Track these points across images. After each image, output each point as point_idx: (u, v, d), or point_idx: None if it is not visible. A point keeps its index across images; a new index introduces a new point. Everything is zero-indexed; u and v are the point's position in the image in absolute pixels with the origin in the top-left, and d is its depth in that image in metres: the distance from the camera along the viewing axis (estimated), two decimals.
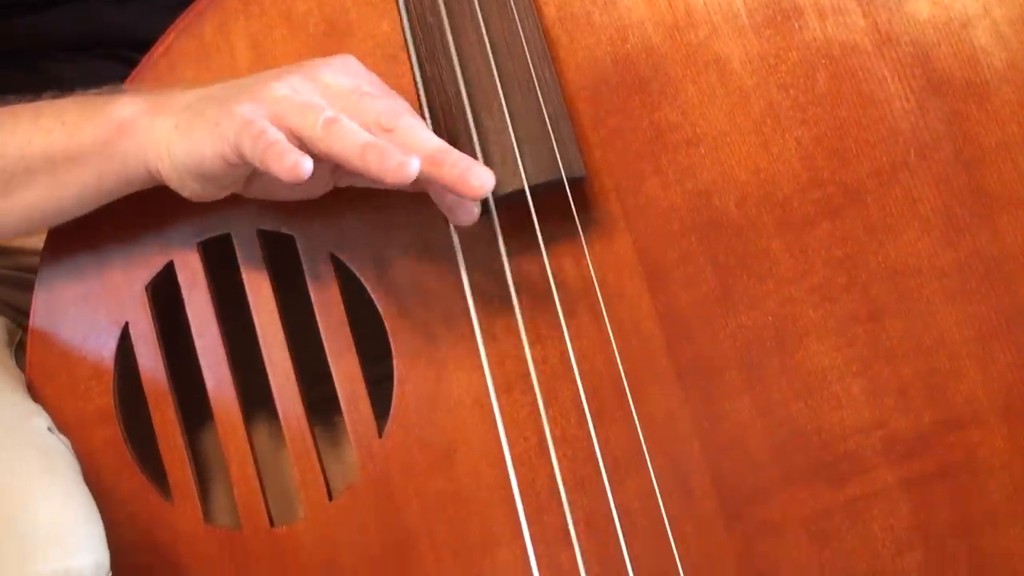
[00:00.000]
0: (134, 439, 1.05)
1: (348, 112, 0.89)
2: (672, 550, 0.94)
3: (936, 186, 0.94)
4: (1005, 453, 0.92)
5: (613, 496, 0.94)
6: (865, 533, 0.94)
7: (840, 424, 0.95)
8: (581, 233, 0.97)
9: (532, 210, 0.96)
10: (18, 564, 0.87)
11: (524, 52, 0.97)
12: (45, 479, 0.92)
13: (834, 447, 0.95)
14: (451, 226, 0.97)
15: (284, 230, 1.03)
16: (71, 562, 0.89)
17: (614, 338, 0.96)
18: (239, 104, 0.90)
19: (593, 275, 0.97)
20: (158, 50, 1.04)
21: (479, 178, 0.90)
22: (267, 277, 1.02)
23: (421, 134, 0.91)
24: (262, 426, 1.09)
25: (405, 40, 1.00)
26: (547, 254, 0.98)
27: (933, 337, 0.94)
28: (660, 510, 0.94)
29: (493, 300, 0.98)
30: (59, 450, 0.97)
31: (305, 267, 1.01)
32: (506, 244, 0.97)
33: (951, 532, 0.93)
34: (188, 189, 0.93)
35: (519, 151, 0.97)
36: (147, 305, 1.03)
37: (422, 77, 0.99)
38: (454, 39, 0.98)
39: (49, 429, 0.98)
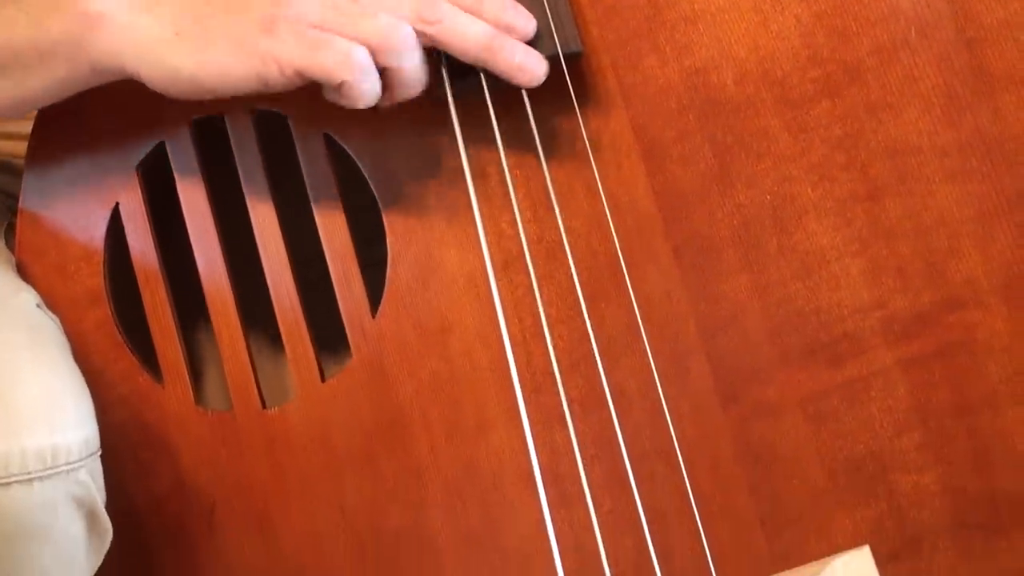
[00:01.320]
0: (126, 324, 0.99)
1: (385, 9, 0.85)
2: (668, 430, 0.91)
3: (937, 65, 0.91)
4: (1004, 334, 0.89)
5: (608, 376, 0.91)
6: (863, 414, 0.91)
7: (838, 304, 0.92)
8: (577, 110, 0.95)
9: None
10: (4, 438, 0.84)
11: None
12: (33, 354, 0.89)
13: (832, 328, 0.92)
14: (448, 105, 0.93)
15: (278, 110, 0.99)
16: (58, 437, 0.86)
17: (610, 216, 0.93)
18: (281, 21, 0.86)
19: (589, 153, 0.93)
20: None
21: (532, 68, 0.92)
22: (260, 158, 0.99)
23: (468, 23, 0.87)
24: (258, 331, 1.05)
25: None
26: (542, 132, 0.96)
27: (933, 217, 0.91)
28: (656, 390, 0.91)
29: (489, 179, 0.95)
30: (48, 326, 0.94)
31: (298, 147, 0.98)
32: (502, 122, 0.94)
33: (950, 413, 0.90)
34: (177, 93, 0.89)
35: None
36: (138, 185, 1.00)
37: None
38: None
39: (38, 306, 0.95)
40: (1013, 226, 0.90)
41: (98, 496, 0.90)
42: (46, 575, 0.85)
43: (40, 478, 0.84)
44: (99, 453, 0.91)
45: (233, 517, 0.98)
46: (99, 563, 0.91)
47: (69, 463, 0.87)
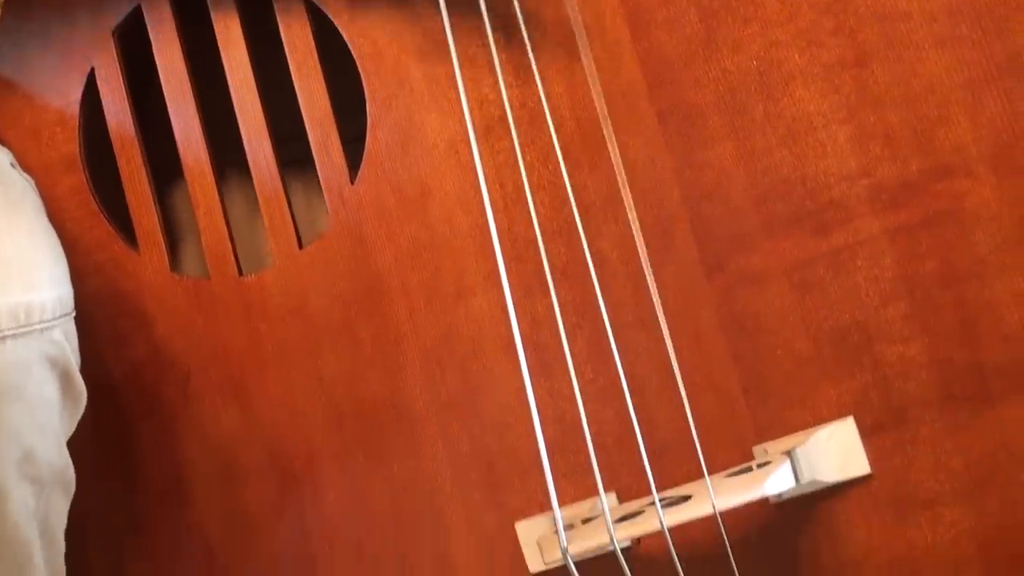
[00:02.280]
0: (101, 192, 0.96)
1: None
2: (651, 299, 0.89)
3: None
4: (993, 203, 0.86)
5: (591, 244, 0.89)
6: (849, 283, 0.88)
7: (825, 172, 0.89)
8: None
9: None
10: None
11: None
12: (7, 213, 0.86)
13: (818, 195, 0.89)
14: None
15: None
16: (32, 296, 0.82)
17: (594, 82, 0.90)
18: None
19: (573, 18, 0.90)
20: None
21: None
22: (239, 22, 0.95)
23: None
24: (236, 194, 1.01)
25: None
26: None
27: (921, 83, 0.88)
28: (639, 259, 0.89)
29: (471, 42, 0.92)
30: (21, 185, 0.91)
31: (277, 9, 0.93)
32: None
33: (937, 283, 0.88)
34: None
35: None
36: (114, 50, 0.96)
37: None
38: None
39: (12, 165, 0.91)
40: (1002, 93, 0.87)
41: (72, 358, 0.87)
42: (19, 435, 0.81)
43: (13, 336, 0.81)
44: (73, 314, 0.88)
45: (209, 385, 0.96)
46: (73, 427, 0.88)
47: (43, 321, 0.84)
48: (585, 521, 0.87)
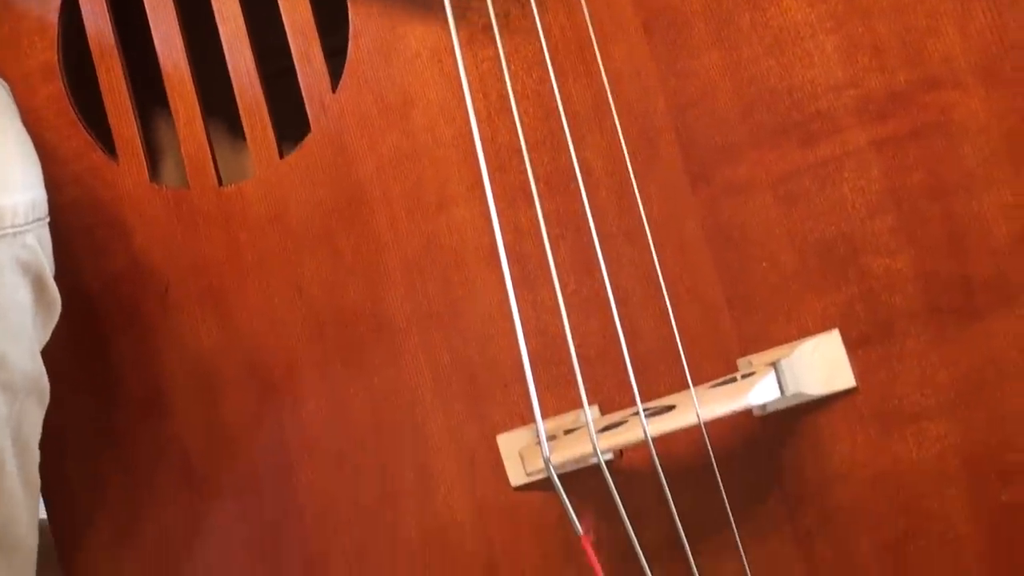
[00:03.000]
0: (81, 105, 0.94)
1: None
2: (635, 210, 0.87)
3: None
4: (982, 115, 0.84)
5: (576, 153, 0.86)
6: (835, 195, 0.86)
7: (812, 83, 0.87)
8: None
9: None
10: None
11: None
12: None
13: (805, 106, 0.87)
14: None
15: None
16: (4, 199, 0.81)
17: None
18: None
19: None
20: None
21: None
22: None
23: None
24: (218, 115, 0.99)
25: None
26: None
27: None
28: (624, 169, 0.87)
29: None
30: None
31: None
32: None
33: (924, 195, 0.85)
34: None
35: None
36: None
37: None
38: None
39: None
40: (991, 4, 0.86)
41: (46, 264, 0.84)
42: None
43: None
44: (47, 220, 0.86)
45: (188, 296, 0.94)
46: (47, 336, 0.86)
47: (15, 226, 0.81)
48: (567, 432, 0.85)
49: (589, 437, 0.80)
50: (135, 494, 0.96)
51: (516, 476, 0.90)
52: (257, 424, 0.94)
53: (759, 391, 0.82)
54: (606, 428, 0.84)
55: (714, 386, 0.85)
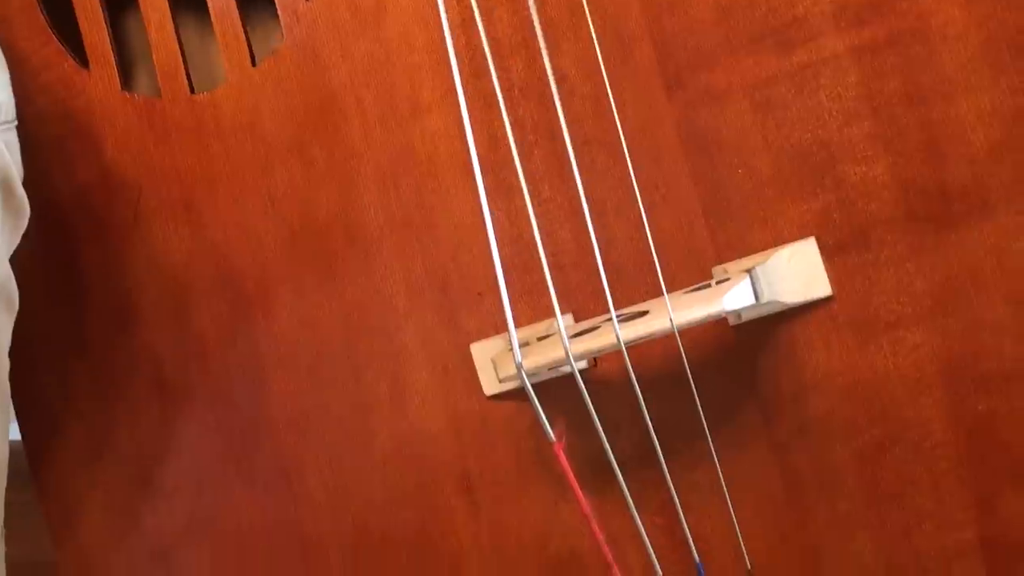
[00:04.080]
0: (54, 15, 0.92)
1: None
2: (610, 117, 0.86)
3: None
4: (960, 22, 0.83)
5: (550, 60, 0.84)
6: (812, 102, 0.84)
7: None
8: None
9: None
10: None
11: None
12: None
13: (782, 12, 0.86)
14: None
15: None
16: None
17: None
18: None
19: None
20: None
21: None
22: None
23: None
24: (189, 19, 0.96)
25: None
26: None
27: None
28: (599, 75, 0.86)
29: None
30: None
31: None
32: None
33: (901, 103, 0.84)
34: None
35: None
36: None
37: None
38: None
39: None
40: None
41: (14, 169, 0.82)
42: None
43: None
44: (15, 124, 0.83)
45: (159, 206, 0.92)
46: (15, 242, 0.84)
47: None
48: (540, 340, 0.83)
49: (562, 343, 0.78)
50: (107, 405, 0.94)
51: (489, 385, 0.88)
52: (230, 334, 0.92)
53: (733, 296, 0.80)
54: (579, 334, 0.81)
55: (688, 292, 0.82)
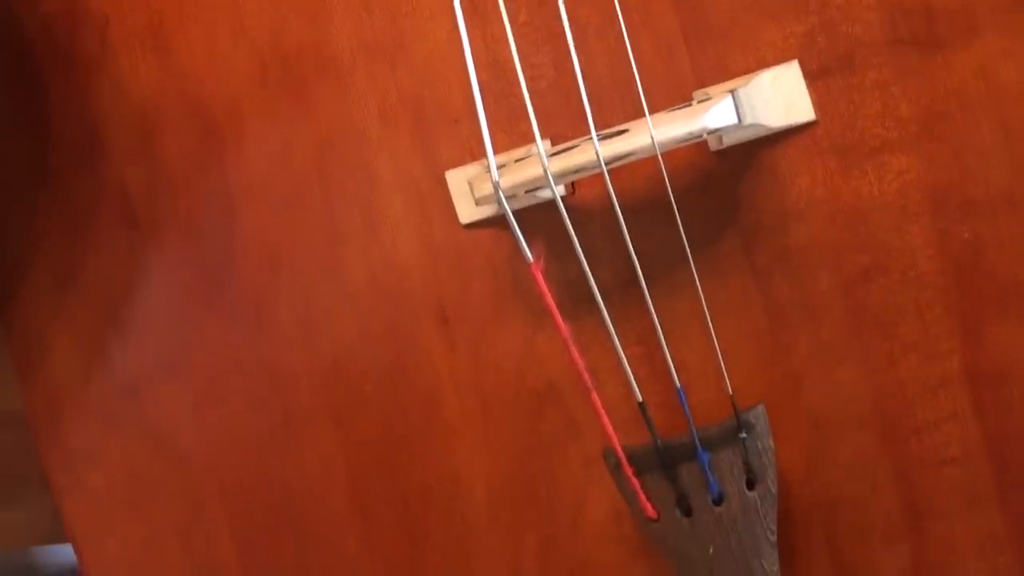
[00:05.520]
0: None
1: None
2: None
3: None
4: None
5: None
6: None
7: None
8: None
9: None
10: None
11: None
12: None
13: None
14: None
15: None
16: None
17: None
18: None
19: None
20: None
21: None
22: None
23: None
24: None
25: None
26: None
27: None
28: None
29: None
30: None
31: None
32: None
33: None
34: None
35: None
36: None
37: None
38: None
39: None
40: None
41: None
42: None
43: None
44: None
45: (127, 36, 0.89)
46: None
47: None
48: (518, 161, 0.79)
49: (540, 161, 0.74)
50: (74, 239, 0.91)
51: (466, 213, 0.84)
52: (199, 167, 0.88)
53: (715, 114, 0.77)
54: (557, 153, 0.77)
55: (669, 112, 0.78)
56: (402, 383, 0.88)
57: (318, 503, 0.90)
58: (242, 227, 0.89)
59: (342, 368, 0.89)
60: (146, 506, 0.93)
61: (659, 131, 0.77)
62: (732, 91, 0.79)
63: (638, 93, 0.80)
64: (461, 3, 0.78)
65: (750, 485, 0.80)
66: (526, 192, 0.81)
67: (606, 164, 0.76)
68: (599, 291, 0.78)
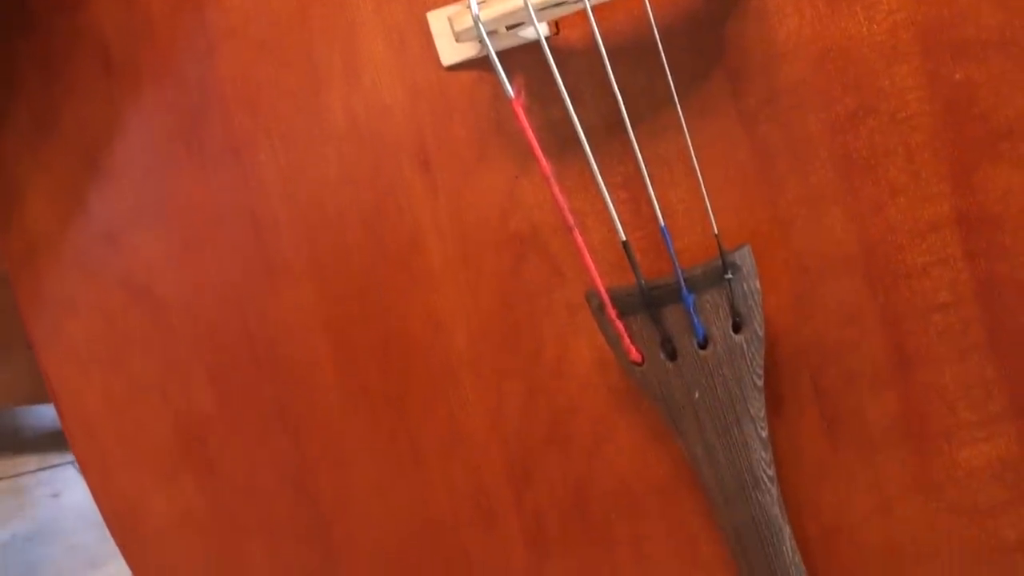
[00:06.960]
0: None
1: None
2: None
3: None
4: None
5: None
6: None
7: None
8: None
9: None
10: None
11: None
12: None
13: None
14: None
15: None
16: None
17: None
18: None
19: None
20: None
21: None
22: None
23: None
24: None
25: None
26: None
27: None
28: None
29: None
30: None
31: None
32: None
33: None
34: None
35: None
36: None
37: None
38: None
39: None
40: None
41: None
42: None
43: None
44: None
45: None
46: None
47: None
48: None
49: None
50: (53, 86, 0.87)
51: (447, 54, 0.81)
52: (177, 7, 0.84)
53: None
54: None
55: None
56: (383, 228, 0.85)
57: (298, 350, 0.88)
58: (221, 70, 0.86)
59: (322, 212, 0.86)
60: (125, 356, 0.91)
61: None
62: None
63: None
64: None
65: (736, 328, 0.77)
66: (508, 29, 0.77)
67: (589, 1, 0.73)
68: (587, 132, 0.75)
